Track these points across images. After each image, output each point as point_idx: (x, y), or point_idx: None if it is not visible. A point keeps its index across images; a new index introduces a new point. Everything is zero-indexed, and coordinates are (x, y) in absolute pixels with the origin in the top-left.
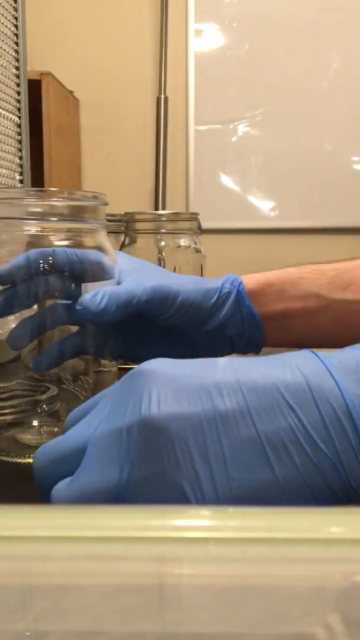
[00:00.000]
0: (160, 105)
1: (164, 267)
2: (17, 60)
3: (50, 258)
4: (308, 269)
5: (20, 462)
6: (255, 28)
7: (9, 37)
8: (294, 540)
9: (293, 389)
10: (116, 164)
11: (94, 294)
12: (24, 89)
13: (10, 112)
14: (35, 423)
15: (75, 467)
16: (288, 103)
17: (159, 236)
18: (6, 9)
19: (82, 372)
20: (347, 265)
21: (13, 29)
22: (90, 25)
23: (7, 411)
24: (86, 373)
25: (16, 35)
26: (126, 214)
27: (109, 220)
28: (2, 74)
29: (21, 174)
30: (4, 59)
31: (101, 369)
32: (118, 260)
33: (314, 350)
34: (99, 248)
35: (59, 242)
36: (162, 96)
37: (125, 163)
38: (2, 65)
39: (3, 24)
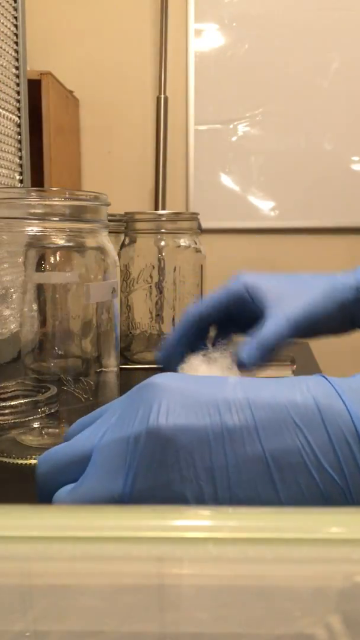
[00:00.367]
0: (160, 105)
1: (164, 267)
2: (17, 60)
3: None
4: None
5: (21, 463)
6: (255, 28)
7: (9, 37)
8: (294, 540)
9: (302, 410)
10: (116, 164)
11: (244, 352)
12: (23, 88)
13: (10, 112)
14: (36, 425)
15: (79, 475)
16: (288, 103)
17: (159, 236)
18: (6, 9)
19: (82, 373)
20: None
21: (13, 29)
22: (90, 25)
23: (7, 411)
24: (87, 374)
25: (16, 35)
26: (126, 213)
27: (109, 220)
28: (2, 74)
29: (21, 173)
30: (4, 58)
31: (102, 369)
32: (263, 284)
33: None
34: (100, 248)
35: (60, 242)
36: (162, 96)
37: (125, 163)
38: (2, 65)
39: (3, 24)
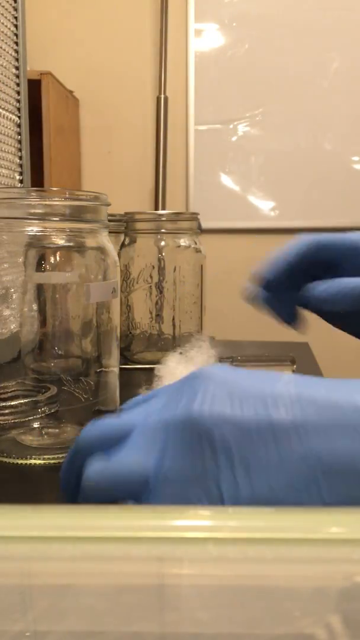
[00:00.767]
0: (160, 105)
1: (164, 267)
2: (17, 60)
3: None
4: None
5: (21, 463)
6: (255, 28)
7: (9, 37)
8: (294, 540)
9: (354, 410)
10: (116, 164)
11: (322, 286)
12: (23, 88)
13: (10, 112)
14: (36, 425)
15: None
16: (288, 103)
17: (159, 236)
18: (6, 9)
19: (82, 373)
20: None
21: (13, 29)
22: (90, 25)
23: (7, 411)
24: (87, 374)
25: (16, 35)
26: (126, 213)
27: (109, 220)
28: (2, 74)
29: (21, 173)
30: (4, 58)
31: (102, 369)
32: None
33: None
34: (100, 248)
35: (60, 242)
36: (162, 96)
37: (125, 163)
38: (2, 65)
39: (3, 24)
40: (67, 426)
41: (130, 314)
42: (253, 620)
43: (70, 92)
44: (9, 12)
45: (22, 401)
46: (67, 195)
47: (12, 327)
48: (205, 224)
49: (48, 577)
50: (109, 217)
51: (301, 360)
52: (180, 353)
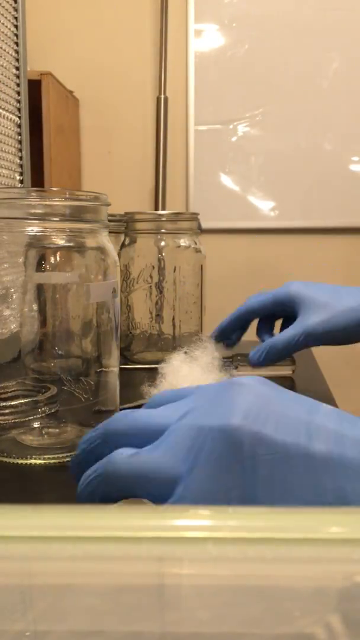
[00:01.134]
0: (160, 105)
1: (164, 267)
2: (17, 60)
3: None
4: None
5: (21, 463)
6: (255, 28)
7: (9, 37)
8: (294, 540)
9: None
10: (116, 164)
11: (254, 352)
12: (24, 89)
13: (10, 112)
14: (36, 424)
15: (144, 445)
16: (288, 103)
17: (159, 236)
18: (6, 9)
19: (83, 373)
20: None
21: (13, 29)
22: (90, 25)
23: (7, 411)
24: (87, 374)
25: (16, 35)
26: (126, 214)
27: (109, 220)
28: (2, 74)
29: (21, 174)
30: (4, 59)
31: (102, 369)
32: (305, 294)
33: None
34: (101, 248)
35: (60, 242)
36: (162, 96)
37: (125, 163)
38: (2, 66)
39: (3, 24)
40: (67, 426)
41: (130, 314)
42: (253, 620)
43: (71, 92)
44: (9, 12)
45: (22, 401)
46: (67, 196)
47: (12, 327)
48: (205, 224)
49: (48, 576)
50: (109, 217)
51: (301, 361)
52: (185, 352)
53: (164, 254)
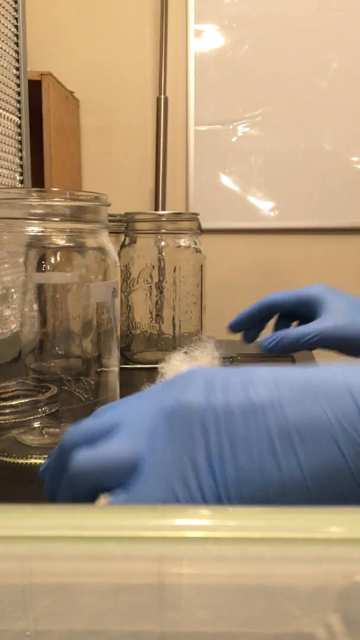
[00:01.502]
0: (160, 106)
1: (164, 267)
2: (18, 60)
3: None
4: None
5: (21, 463)
6: (255, 28)
7: (9, 38)
8: (294, 539)
9: (329, 383)
10: (116, 164)
11: (266, 338)
12: (24, 89)
13: (10, 112)
14: (36, 424)
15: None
16: (288, 103)
17: (159, 236)
18: (6, 9)
19: (83, 373)
20: None
21: (13, 29)
22: (90, 25)
23: (7, 411)
24: (87, 374)
25: (16, 35)
26: (126, 214)
27: (109, 221)
28: (2, 75)
29: (21, 174)
30: (4, 59)
31: (102, 369)
32: (327, 298)
33: None
34: (101, 248)
35: (61, 242)
36: (162, 96)
37: (125, 163)
38: (2, 66)
39: (3, 24)
40: (67, 426)
41: (130, 314)
42: (253, 620)
43: (71, 92)
44: (10, 12)
45: (22, 401)
46: (67, 196)
47: (12, 327)
48: (205, 224)
49: (48, 576)
50: (109, 218)
51: (301, 360)
52: (185, 352)
53: (164, 254)
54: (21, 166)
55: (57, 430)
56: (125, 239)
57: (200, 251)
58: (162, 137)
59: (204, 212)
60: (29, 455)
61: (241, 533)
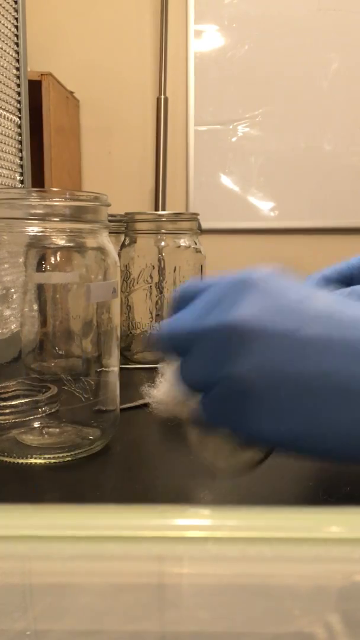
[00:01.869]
0: (160, 106)
1: (164, 267)
2: (18, 60)
3: None
4: None
5: (21, 463)
6: (255, 28)
7: (9, 38)
8: (294, 539)
9: None
10: (116, 164)
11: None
12: (24, 89)
13: (10, 112)
14: (36, 424)
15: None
16: (288, 103)
17: (159, 236)
18: (6, 10)
19: (83, 373)
20: None
21: (13, 29)
22: (90, 25)
23: (7, 411)
24: (87, 374)
25: (16, 36)
26: (126, 214)
27: (109, 221)
28: (2, 75)
29: (22, 174)
30: (4, 59)
31: (103, 369)
32: None
33: None
34: (101, 248)
35: (61, 242)
36: (162, 97)
37: (125, 163)
38: (2, 66)
39: (3, 24)
40: (67, 426)
41: (130, 314)
42: (253, 619)
43: (71, 92)
44: (10, 12)
45: (22, 401)
46: (67, 196)
47: (12, 327)
48: (205, 225)
49: (48, 576)
50: (109, 218)
51: None
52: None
53: (164, 254)
54: (21, 166)
55: (57, 430)
56: (125, 239)
57: (200, 251)
58: (162, 137)
59: (204, 212)
60: (29, 455)
61: (241, 533)
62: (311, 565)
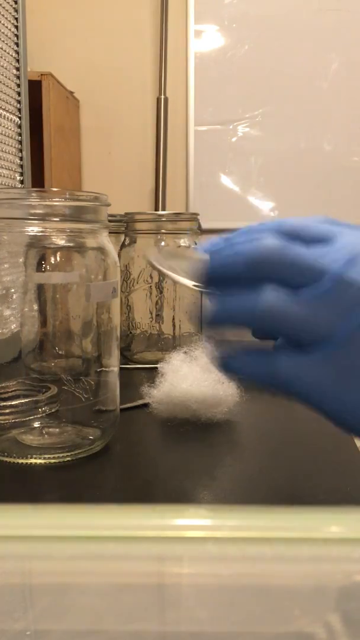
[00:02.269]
0: (160, 106)
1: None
2: (18, 60)
3: None
4: None
5: (21, 463)
6: (255, 28)
7: (9, 38)
8: (294, 539)
9: None
10: (116, 164)
11: None
12: (24, 89)
13: (10, 112)
14: (36, 424)
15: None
16: (288, 103)
17: (159, 236)
18: (6, 10)
19: (83, 373)
20: None
21: (13, 29)
22: (90, 25)
23: (7, 411)
24: (87, 374)
25: (16, 35)
26: (126, 214)
27: (109, 221)
28: (2, 75)
29: (22, 174)
30: (4, 59)
31: (102, 369)
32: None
33: None
34: (101, 248)
35: (61, 242)
36: (162, 97)
37: (125, 163)
38: (2, 66)
39: (3, 24)
40: (67, 426)
41: (130, 314)
42: (253, 619)
43: (71, 93)
44: (10, 12)
45: (22, 401)
46: (67, 196)
47: (12, 327)
48: (205, 224)
49: (48, 576)
50: (109, 218)
51: None
52: (185, 352)
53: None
54: (21, 166)
55: (57, 430)
56: (125, 239)
57: None
58: (162, 138)
59: (204, 212)
60: (29, 455)
61: (241, 533)
62: (311, 565)
